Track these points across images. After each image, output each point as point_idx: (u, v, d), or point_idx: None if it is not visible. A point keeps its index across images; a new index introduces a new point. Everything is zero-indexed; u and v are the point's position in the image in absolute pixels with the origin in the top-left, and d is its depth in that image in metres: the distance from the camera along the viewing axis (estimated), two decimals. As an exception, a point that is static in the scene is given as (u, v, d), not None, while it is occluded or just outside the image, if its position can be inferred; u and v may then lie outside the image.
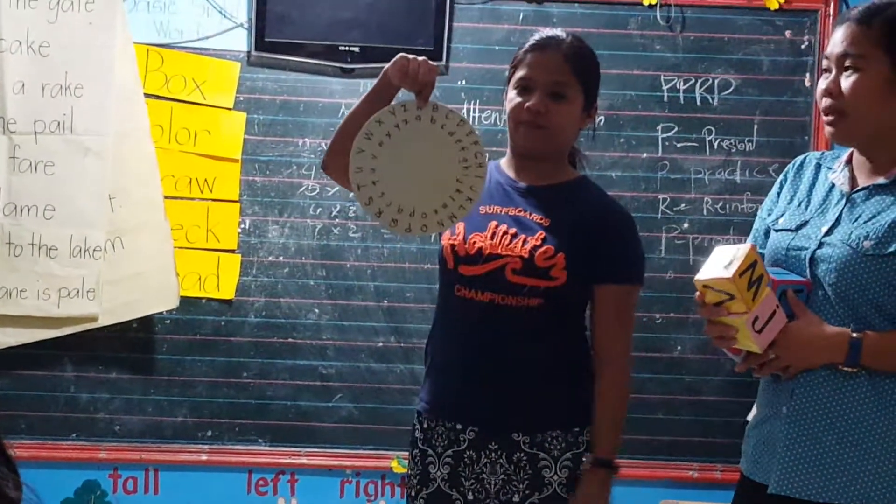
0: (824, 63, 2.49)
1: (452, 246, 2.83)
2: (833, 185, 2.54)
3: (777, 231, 2.58)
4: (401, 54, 2.74)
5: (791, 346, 2.39)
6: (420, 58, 2.73)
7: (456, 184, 2.71)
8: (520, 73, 2.82)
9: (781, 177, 2.71)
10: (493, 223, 2.81)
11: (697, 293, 2.43)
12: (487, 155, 2.78)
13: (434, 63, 2.71)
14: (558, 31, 2.90)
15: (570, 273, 2.73)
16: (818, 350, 2.39)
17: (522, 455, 2.78)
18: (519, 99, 2.81)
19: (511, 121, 2.85)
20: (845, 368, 2.38)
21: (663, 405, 4.42)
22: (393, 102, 2.77)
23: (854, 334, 2.38)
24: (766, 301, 2.36)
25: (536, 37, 2.89)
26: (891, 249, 2.37)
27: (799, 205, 2.58)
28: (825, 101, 2.46)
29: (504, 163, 2.94)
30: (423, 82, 2.70)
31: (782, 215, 2.61)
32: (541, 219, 2.79)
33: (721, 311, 2.39)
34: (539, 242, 2.74)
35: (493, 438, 2.80)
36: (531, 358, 2.79)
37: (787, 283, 2.44)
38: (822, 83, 2.47)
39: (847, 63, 2.41)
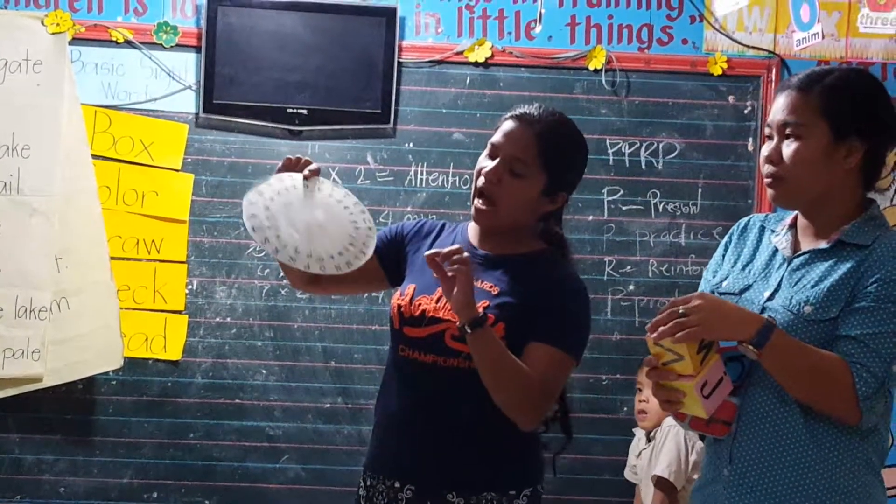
0: (767, 130, 2.51)
1: (399, 306, 2.82)
2: (776, 249, 2.56)
3: (721, 294, 2.59)
4: (284, 158, 2.89)
5: (708, 305, 2.32)
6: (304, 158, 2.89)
7: (349, 237, 2.80)
8: (494, 137, 2.80)
9: (726, 238, 2.71)
10: None
11: (648, 357, 2.41)
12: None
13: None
14: (545, 111, 2.81)
15: (509, 343, 2.71)
16: (732, 317, 2.33)
17: None
18: (483, 163, 2.79)
19: (473, 182, 2.83)
20: (749, 347, 2.35)
21: (609, 467, 4.43)
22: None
23: (771, 321, 2.37)
24: (714, 367, 2.36)
25: (521, 107, 2.82)
26: (831, 314, 2.37)
27: (743, 268, 2.59)
28: (767, 168, 2.48)
29: (471, 227, 2.91)
30: (310, 170, 2.84)
31: (726, 278, 2.61)
32: (490, 286, 2.76)
33: (669, 374, 2.39)
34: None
35: (429, 498, 2.78)
36: (469, 420, 2.76)
37: (733, 349, 2.45)
38: (765, 150, 2.50)
39: (788, 131, 2.44)
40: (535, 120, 2.77)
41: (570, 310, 2.77)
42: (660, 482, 3.99)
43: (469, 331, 2.58)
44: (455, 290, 2.57)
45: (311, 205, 2.81)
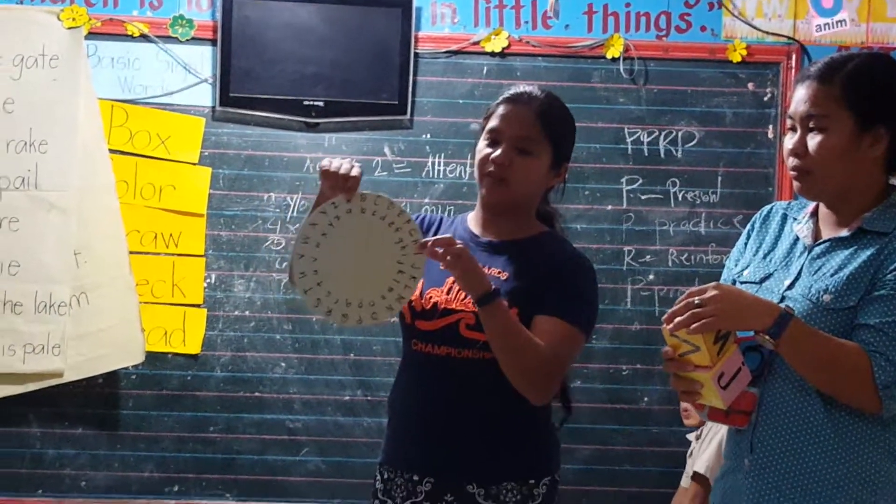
0: (789, 122, 2.49)
1: (410, 301, 2.82)
2: (797, 238, 2.54)
3: (742, 283, 2.57)
4: (322, 167, 2.71)
5: (724, 296, 2.30)
6: (344, 163, 2.72)
7: (397, 265, 2.72)
8: (490, 124, 2.83)
9: (748, 227, 2.70)
10: (451, 278, 2.80)
11: (665, 348, 2.41)
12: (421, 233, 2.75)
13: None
14: (534, 88, 2.88)
15: (524, 327, 2.72)
16: (748, 307, 2.32)
17: None
18: (487, 150, 2.81)
19: (477, 171, 2.85)
20: (766, 337, 2.34)
21: (629, 457, 4.43)
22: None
23: (788, 310, 2.36)
24: (732, 358, 2.35)
25: (511, 90, 2.89)
26: (850, 303, 2.36)
27: (764, 257, 2.57)
28: (792, 161, 2.46)
29: (471, 217, 2.93)
30: (351, 185, 2.70)
31: (747, 267, 2.60)
32: (499, 272, 2.78)
33: (686, 365, 2.38)
34: None
35: (449, 490, 2.79)
36: (486, 410, 2.78)
37: (751, 339, 2.43)
38: (788, 142, 2.47)
39: (811, 123, 2.42)
40: (531, 98, 2.85)
41: (578, 285, 2.81)
42: (696, 476, 3.97)
43: (481, 306, 2.61)
44: (458, 272, 2.61)
45: (357, 237, 2.72)
